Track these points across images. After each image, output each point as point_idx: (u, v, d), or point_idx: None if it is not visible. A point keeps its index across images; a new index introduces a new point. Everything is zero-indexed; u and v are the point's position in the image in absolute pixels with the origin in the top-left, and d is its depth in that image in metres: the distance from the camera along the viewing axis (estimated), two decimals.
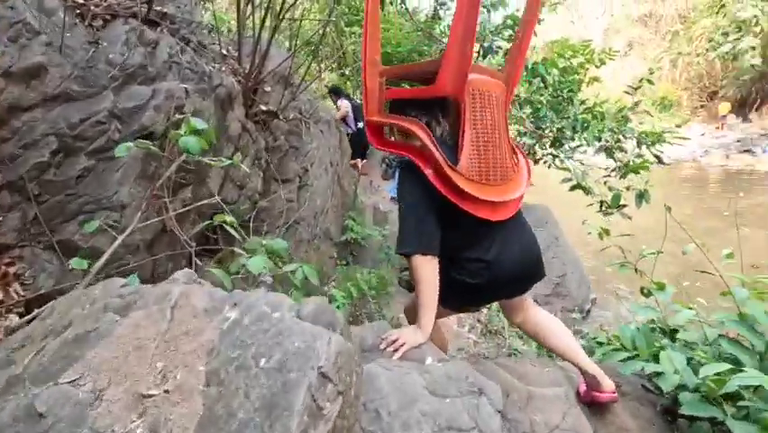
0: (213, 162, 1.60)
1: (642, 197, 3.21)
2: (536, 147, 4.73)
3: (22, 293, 1.49)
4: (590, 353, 2.50)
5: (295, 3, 3.15)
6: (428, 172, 1.30)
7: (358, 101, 5.33)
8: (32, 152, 1.60)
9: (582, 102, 4.23)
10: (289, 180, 3.19)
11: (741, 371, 1.27)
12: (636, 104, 4.13)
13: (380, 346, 1.32)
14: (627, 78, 17.04)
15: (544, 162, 4.59)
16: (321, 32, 3.66)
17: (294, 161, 3.26)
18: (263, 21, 2.57)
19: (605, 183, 3.44)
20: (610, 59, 4.88)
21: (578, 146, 3.96)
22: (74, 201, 1.63)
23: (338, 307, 1.59)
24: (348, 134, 4.88)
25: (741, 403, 1.29)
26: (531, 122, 4.48)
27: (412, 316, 1.64)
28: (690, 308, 1.64)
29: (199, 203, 1.67)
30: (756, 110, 18.28)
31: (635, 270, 2.05)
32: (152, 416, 0.65)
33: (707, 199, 10.75)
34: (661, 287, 1.84)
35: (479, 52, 4.21)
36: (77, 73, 1.73)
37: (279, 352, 0.71)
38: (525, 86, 4.66)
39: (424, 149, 1.31)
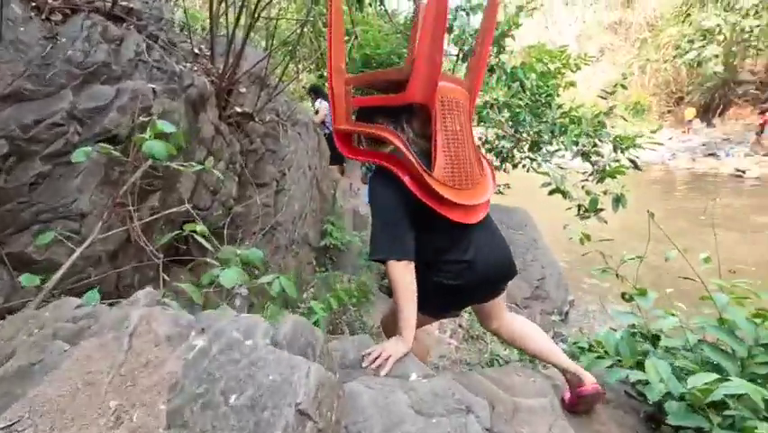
0: (182, 168, 1.49)
1: (619, 201, 3.25)
2: (515, 151, 4.76)
3: None
4: (573, 358, 2.50)
5: (270, 1, 3.05)
6: (405, 179, 1.31)
7: None
8: None
9: (560, 106, 4.27)
10: (266, 185, 3.08)
11: (727, 379, 1.26)
12: (611, 108, 4.20)
13: (363, 365, 1.26)
14: (600, 83, 17.54)
15: (523, 166, 4.62)
16: (298, 31, 3.57)
17: (271, 164, 3.15)
18: (237, 19, 2.47)
19: (582, 187, 3.47)
20: (585, 64, 4.96)
21: (556, 150, 3.99)
22: (27, 210, 1.50)
23: (316, 322, 1.51)
24: (326, 135, 4.79)
25: (727, 412, 1.29)
26: (510, 125, 4.50)
27: (390, 328, 1.60)
28: (673, 315, 1.64)
29: (167, 211, 1.57)
30: (719, 115, 19.10)
31: (617, 275, 2.05)
32: None
33: (676, 201, 11.14)
34: (642, 292, 1.84)
35: (458, 56, 4.20)
36: (32, 71, 1.60)
37: (252, 386, 0.63)
38: (504, 89, 4.69)
39: (399, 155, 1.32)
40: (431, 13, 1.27)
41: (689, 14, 14.95)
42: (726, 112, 18.98)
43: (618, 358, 1.70)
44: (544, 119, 4.19)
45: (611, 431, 1.60)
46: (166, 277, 1.28)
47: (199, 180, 2.22)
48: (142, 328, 0.73)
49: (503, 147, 4.97)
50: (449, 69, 4.76)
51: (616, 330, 1.91)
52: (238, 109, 2.61)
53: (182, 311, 0.81)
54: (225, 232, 2.23)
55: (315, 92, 5.28)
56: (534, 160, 4.53)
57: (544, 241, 4.89)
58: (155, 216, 1.58)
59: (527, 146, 4.46)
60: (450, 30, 3.96)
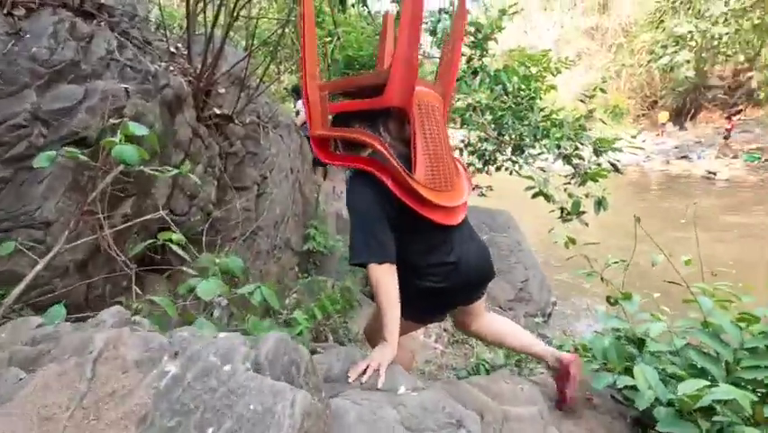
0: (157, 173, 1.42)
1: (600, 204, 3.29)
2: (497, 153, 4.78)
3: None
4: None
5: (250, 0, 2.97)
6: (388, 181, 1.31)
7: None
8: None
9: (542, 109, 4.31)
10: (247, 188, 3.00)
11: (715, 385, 1.26)
12: (591, 112, 4.26)
13: (350, 381, 1.20)
14: (577, 86, 17.94)
15: (506, 169, 4.64)
16: (279, 32, 3.49)
17: (251, 167, 3.07)
18: (216, 17, 2.38)
19: (565, 190, 3.50)
20: (566, 67, 5.02)
21: (539, 154, 4.02)
22: None
23: (300, 332, 1.45)
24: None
25: (715, 418, 1.28)
26: (493, 128, 4.52)
27: (374, 335, 1.58)
28: (660, 320, 1.64)
29: (141, 219, 1.48)
30: (691, 119, 19.79)
31: (602, 279, 2.05)
32: None
33: (651, 202, 11.44)
34: (627, 296, 1.84)
35: (441, 58, 4.18)
36: None
37: (231, 418, 0.57)
38: (487, 92, 4.70)
39: (380, 159, 1.33)
40: (406, 18, 1.28)
41: (662, 21, 15.43)
42: (697, 115, 19.68)
43: (605, 362, 1.69)
44: (527, 122, 4.21)
45: None
46: (138, 291, 1.20)
47: (176, 185, 2.12)
48: (108, 353, 0.66)
49: (486, 149, 4.99)
50: (433, 72, 4.75)
51: (601, 333, 1.91)
52: (217, 111, 2.53)
53: (154, 333, 0.74)
54: (204, 238, 2.14)
55: (297, 93, 5.20)
56: (517, 162, 4.55)
57: (527, 243, 4.93)
58: (127, 224, 1.49)
59: (510, 149, 4.48)
60: (433, 33, 3.95)
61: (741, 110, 18.09)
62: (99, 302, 1.60)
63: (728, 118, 17.11)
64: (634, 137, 3.54)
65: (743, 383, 1.38)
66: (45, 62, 1.60)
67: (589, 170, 3.58)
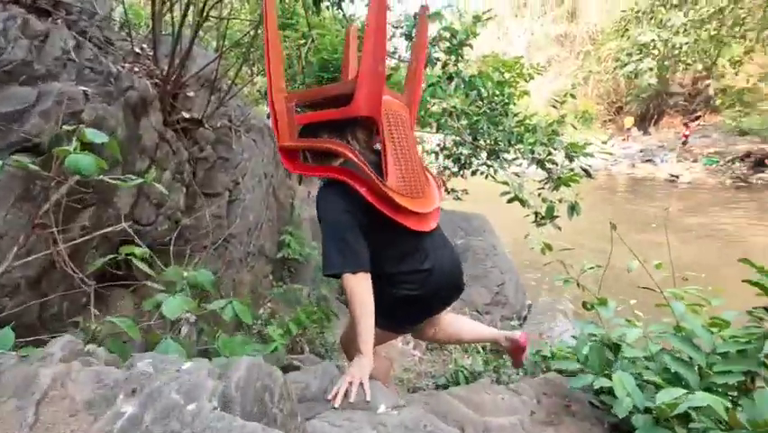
0: (118, 182, 1.32)
1: (573, 208, 3.35)
2: (473, 158, 4.81)
3: None
4: (535, 367, 2.51)
5: (221, 0, 2.87)
6: (362, 190, 1.31)
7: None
8: None
9: (515, 115, 4.37)
10: (218, 195, 2.89)
11: (691, 391, 1.28)
12: (563, 117, 4.35)
13: (335, 405, 1.15)
14: (548, 92, 18.43)
15: (481, 173, 4.68)
16: (252, 33, 3.39)
17: (223, 173, 2.96)
18: (184, 17, 2.28)
19: (539, 195, 3.55)
20: (538, 73, 5.14)
21: (514, 159, 4.07)
22: None
23: (275, 349, 1.39)
24: None
25: (692, 425, 1.30)
26: (468, 133, 4.55)
27: (349, 347, 1.57)
28: (636, 325, 1.66)
29: (99, 232, 1.38)
30: (654, 124, 20.67)
31: (578, 284, 2.07)
32: None
33: (619, 205, 11.83)
34: (603, 302, 1.86)
35: (407, 69, 4.17)
36: None
37: None
38: (462, 97, 4.74)
39: (352, 167, 1.34)
40: (371, 31, 1.30)
41: (627, 30, 16.05)
42: (660, 121, 20.57)
43: (583, 368, 1.70)
44: (501, 127, 4.26)
45: None
46: (96, 311, 1.11)
47: (141, 193, 2.01)
48: (55, 393, 0.58)
49: (461, 153, 5.02)
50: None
51: (577, 338, 1.93)
52: (185, 114, 2.42)
53: (109, 367, 0.67)
54: (172, 248, 2.03)
55: None
56: (492, 166, 4.60)
57: (502, 247, 4.97)
58: (85, 238, 1.39)
59: (485, 154, 4.52)
60: (409, 37, 3.94)
61: (700, 116, 19.02)
62: (55, 322, 1.48)
63: (686, 125, 18.04)
64: (604, 142, 3.63)
65: (716, 388, 1.40)
66: None
67: (562, 175, 3.64)
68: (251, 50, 4.02)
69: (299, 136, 1.44)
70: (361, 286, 1.28)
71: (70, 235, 1.48)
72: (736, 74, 16.26)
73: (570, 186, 3.57)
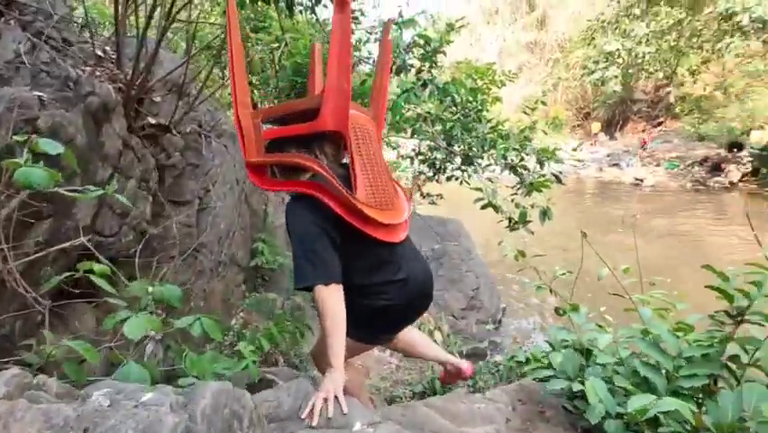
0: (76, 195, 1.25)
1: (545, 213, 3.41)
2: (447, 163, 4.86)
3: None
4: (511, 373, 2.54)
5: (190, 2, 2.79)
6: (332, 203, 1.32)
7: None
8: None
9: (488, 121, 4.44)
10: (187, 203, 2.79)
11: (659, 396, 1.31)
12: (534, 123, 4.45)
13: (313, 423, 1.11)
14: (519, 98, 18.90)
15: (456, 179, 4.73)
16: (223, 36, 3.31)
17: (192, 180, 2.86)
18: (149, 18, 2.19)
19: (512, 201, 3.60)
20: (510, 80, 5.24)
21: (487, 165, 4.14)
22: None
23: (246, 367, 1.34)
24: None
25: (661, 430, 1.33)
26: (443, 138, 4.58)
27: (321, 360, 1.55)
28: (606, 331, 1.70)
29: (55, 248, 1.30)
30: (620, 129, 21.51)
31: (551, 290, 2.10)
32: None
33: (587, 208, 12.21)
34: (575, 308, 1.90)
35: (391, 69, 4.19)
36: None
37: None
38: (437, 103, 4.78)
39: (321, 181, 1.35)
40: (335, 49, 1.32)
41: (593, 39, 16.67)
42: (625, 126, 21.43)
43: (558, 372, 1.72)
44: (475, 133, 4.32)
45: None
46: (49, 333, 1.03)
47: (103, 203, 1.92)
48: None
49: (436, 158, 5.06)
50: None
51: (551, 343, 1.95)
52: (151, 120, 2.32)
53: (58, 404, 0.61)
54: (137, 260, 1.95)
55: None
56: (466, 171, 4.66)
57: (477, 251, 5.03)
58: (39, 254, 1.30)
59: (460, 159, 4.57)
60: None
61: (662, 122, 19.93)
62: (6, 343, 1.38)
63: (643, 131, 19.03)
64: (575, 149, 3.73)
65: (683, 391, 1.45)
66: None
67: (534, 181, 3.71)
68: (223, 52, 3.93)
69: (266, 151, 1.45)
70: (332, 298, 1.27)
71: (24, 251, 1.39)
72: (695, 82, 17.13)
73: (542, 191, 3.65)
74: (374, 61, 4.97)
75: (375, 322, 1.52)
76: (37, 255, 1.28)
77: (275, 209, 4.15)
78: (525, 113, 4.86)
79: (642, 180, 14.97)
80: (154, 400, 0.64)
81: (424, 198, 6.37)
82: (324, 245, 1.31)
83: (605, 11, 16.47)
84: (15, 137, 1.02)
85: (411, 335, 1.87)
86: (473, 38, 26.01)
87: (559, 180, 3.74)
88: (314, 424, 1.10)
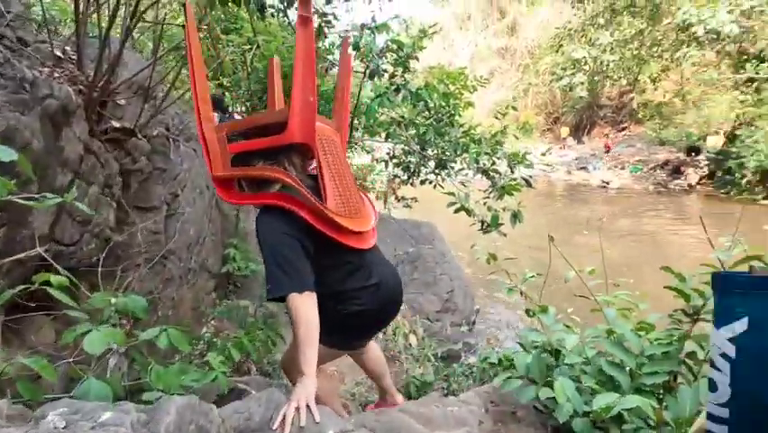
0: (32, 203, 1.19)
1: (516, 216, 3.49)
2: (421, 167, 4.91)
3: None
4: (484, 374, 2.58)
5: (156, 2, 2.71)
6: (303, 213, 1.35)
7: (238, 117, 4.88)
8: None
9: (461, 126, 4.51)
10: (154, 209, 2.71)
11: (623, 394, 1.36)
12: (506, 128, 4.56)
13: (275, 429, 1.10)
14: (491, 103, 19.30)
15: (430, 182, 4.78)
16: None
17: (160, 185, 2.78)
18: (113, 17, 2.11)
19: (485, 204, 3.67)
20: (481, 85, 5.34)
21: (460, 169, 4.20)
22: None
23: (215, 378, 1.30)
24: None
25: (625, 426, 1.38)
26: (416, 143, 4.63)
27: (293, 370, 1.55)
28: (574, 331, 1.75)
29: (7, 259, 1.23)
30: (587, 134, 22.28)
31: (521, 293, 2.15)
32: None
33: (557, 210, 12.57)
34: (544, 309, 1.95)
35: (364, 73, 4.21)
36: None
37: None
38: (410, 107, 4.82)
39: (292, 192, 1.37)
40: (300, 62, 1.36)
41: (561, 46, 17.22)
42: (592, 131, 22.22)
43: (527, 376, 1.76)
44: (447, 138, 4.38)
45: None
46: (0, 349, 0.98)
47: (63, 210, 1.83)
48: None
49: (410, 162, 5.11)
50: (357, 84, 4.76)
51: (522, 345, 2.00)
52: (115, 124, 2.24)
53: (8, 429, 0.58)
54: (100, 269, 1.87)
55: (214, 104, 4.80)
56: (439, 175, 4.72)
57: (451, 254, 5.09)
58: None
59: (433, 163, 4.63)
60: (356, 47, 3.95)
61: (626, 127, 20.79)
62: None
63: (606, 136, 20.07)
64: (543, 154, 3.84)
65: (645, 388, 1.50)
66: None
67: (505, 184, 3.80)
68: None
69: (232, 165, 1.46)
70: (306, 305, 1.27)
71: None
72: (655, 89, 17.95)
73: (513, 194, 3.74)
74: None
75: (349, 327, 1.56)
76: None
77: (247, 215, 4.08)
78: (497, 117, 4.97)
79: (608, 183, 15.55)
80: (113, 420, 0.61)
81: (398, 201, 6.42)
82: (297, 254, 1.32)
83: (572, 19, 17.05)
84: None
85: (381, 357, 1.97)
86: (446, 42, 26.41)
87: (529, 184, 3.84)
88: (275, 429, 1.09)
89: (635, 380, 1.53)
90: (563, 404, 1.45)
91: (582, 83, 16.97)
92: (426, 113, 4.58)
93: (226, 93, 5.92)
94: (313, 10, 4.25)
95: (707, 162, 14.30)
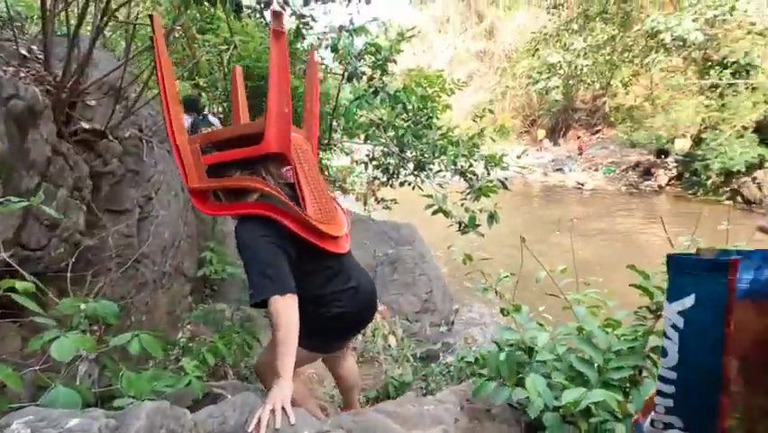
0: None
1: (492, 217, 3.56)
2: (400, 169, 4.94)
3: None
4: (461, 373, 2.62)
5: (128, 2, 2.66)
6: (286, 221, 1.37)
7: (212, 118, 4.79)
8: None
9: (439, 128, 4.57)
10: (127, 212, 2.64)
11: (591, 389, 1.41)
12: (483, 130, 4.64)
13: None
14: (469, 105, 19.55)
15: (408, 184, 4.82)
16: (169, 37, 3.17)
17: (132, 187, 2.71)
18: (82, 15, 2.06)
19: (462, 205, 3.73)
20: (459, 88, 5.42)
21: (438, 171, 4.25)
22: None
23: (189, 383, 1.29)
24: None
25: (592, 419, 1.43)
26: (395, 144, 4.66)
27: (267, 374, 1.54)
28: (545, 329, 1.80)
29: None
30: (563, 136, 22.85)
31: (496, 292, 2.20)
32: None
33: (532, 210, 12.83)
34: (517, 308, 2.00)
35: (343, 75, 4.22)
36: None
37: None
38: (388, 110, 4.85)
39: (272, 201, 1.39)
40: (274, 74, 1.40)
41: (537, 50, 17.60)
42: (567, 133, 22.80)
43: (501, 376, 1.80)
44: (425, 140, 4.43)
45: None
46: None
47: (29, 214, 1.78)
48: None
49: (390, 164, 5.14)
50: (335, 87, 4.76)
51: (497, 343, 2.05)
52: (85, 125, 2.18)
53: None
54: (69, 274, 1.82)
55: (186, 105, 4.60)
56: (418, 176, 4.76)
57: (430, 255, 5.14)
58: None
59: (412, 165, 4.67)
60: (335, 49, 3.96)
61: (599, 130, 21.41)
62: None
63: (579, 138, 20.81)
64: (519, 156, 3.93)
65: (612, 382, 1.56)
66: None
67: (482, 186, 3.87)
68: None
69: (207, 176, 1.47)
70: (288, 307, 1.29)
71: None
72: (627, 94, 18.55)
73: (489, 196, 3.81)
74: (326, 67, 4.97)
75: (329, 330, 1.59)
76: None
77: (224, 218, 4.02)
78: (475, 120, 5.05)
79: (583, 184, 15.98)
80: (81, 426, 0.61)
81: (378, 202, 6.44)
82: (279, 259, 1.34)
83: (547, 24, 17.46)
84: None
85: (353, 364, 2.04)
86: (425, 45, 26.64)
87: (505, 186, 3.92)
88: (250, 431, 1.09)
89: (603, 375, 1.59)
90: (535, 400, 1.50)
91: (558, 87, 17.38)
92: (405, 115, 4.62)
93: (202, 93, 5.82)
94: (290, 12, 4.25)
95: (675, 164, 14.87)
